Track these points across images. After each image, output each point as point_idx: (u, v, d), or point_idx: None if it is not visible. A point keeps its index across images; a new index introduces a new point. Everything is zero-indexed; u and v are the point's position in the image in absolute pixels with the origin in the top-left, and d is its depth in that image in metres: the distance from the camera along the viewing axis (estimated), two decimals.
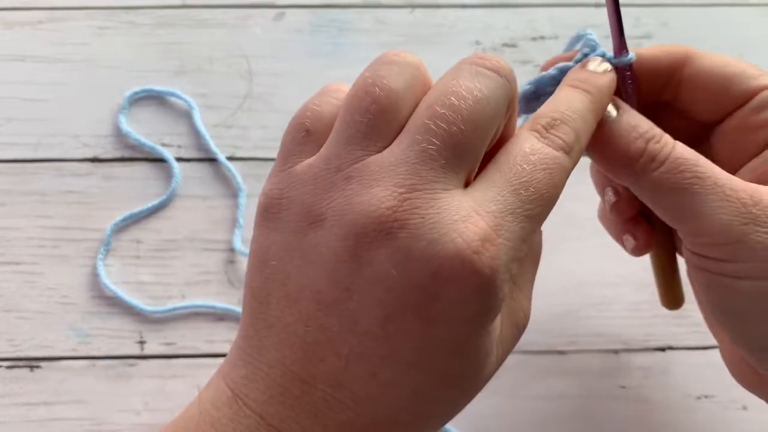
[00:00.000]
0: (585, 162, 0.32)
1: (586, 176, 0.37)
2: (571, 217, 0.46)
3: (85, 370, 0.43)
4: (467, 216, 0.25)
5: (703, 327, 0.44)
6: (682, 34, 0.53)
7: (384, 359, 0.25)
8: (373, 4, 0.53)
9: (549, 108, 0.28)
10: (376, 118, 0.26)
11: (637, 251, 0.37)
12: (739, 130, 0.32)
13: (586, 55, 0.32)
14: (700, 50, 0.33)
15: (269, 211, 0.28)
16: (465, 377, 0.26)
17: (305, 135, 0.28)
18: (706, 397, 0.42)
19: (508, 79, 0.27)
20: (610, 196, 0.36)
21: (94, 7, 0.53)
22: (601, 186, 0.37)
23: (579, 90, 0.29)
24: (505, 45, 0.52)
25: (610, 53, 0.32)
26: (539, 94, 0.33)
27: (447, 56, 0.52)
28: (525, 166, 0.26)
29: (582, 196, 0.39)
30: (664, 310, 0.44)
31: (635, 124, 0.30)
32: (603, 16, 0.53)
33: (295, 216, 0.27)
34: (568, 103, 0.29)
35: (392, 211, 0.24)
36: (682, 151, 0.29)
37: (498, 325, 0.27)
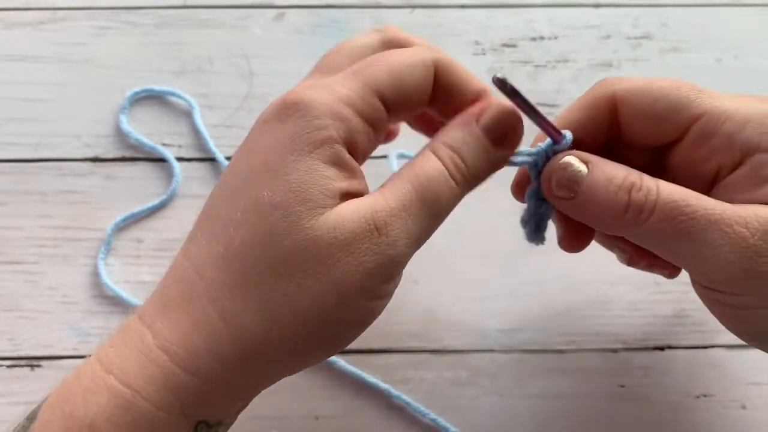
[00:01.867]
0: None
1: None
2: None
3: None
4: (302, 83, 0.31)
5: (703, 326, 0.44)
6: (682, 34, 0.53)
7: (217, 192, 0.30)
8: (373, 5, 0.54)
9: None
10: None
11: (675, 276, 0.37)
12: (686, 164, 0.32)
13: (536, 165, 0.32)
14: (624, 87, 0.32)
15: None
16: (277, 208, 0.28)
17: None
18: (705, 396, 0.42)
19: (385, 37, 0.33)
20: (620, 255, 0.37)
21: (95, 8, 0.53)
22: (605, 243, 0.38)
23: None
24: (505, 45, 0.53)
25: (545, 143, 0.32)
26: (538, 220, 0.35)
27: None
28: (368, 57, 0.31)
29: None
30: (664, 310, 0.44)
31: (610, 175, 0.30)
32: (602, 16, 0.53)
33: None
34: None
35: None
36: (668, 192, 0.29)
37: (325, 179, 0.28)
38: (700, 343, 0.44)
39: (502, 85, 0.29)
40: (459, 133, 0.30)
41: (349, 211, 0.28)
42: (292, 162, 0.28)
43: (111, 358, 0.28)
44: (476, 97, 0.32)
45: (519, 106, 0.31)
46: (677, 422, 0.42)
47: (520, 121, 0.32)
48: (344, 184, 0.29)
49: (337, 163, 0.28)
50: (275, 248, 0.27)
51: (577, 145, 0.32)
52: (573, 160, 0.31)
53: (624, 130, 0.33)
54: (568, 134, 0.32)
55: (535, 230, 0.35)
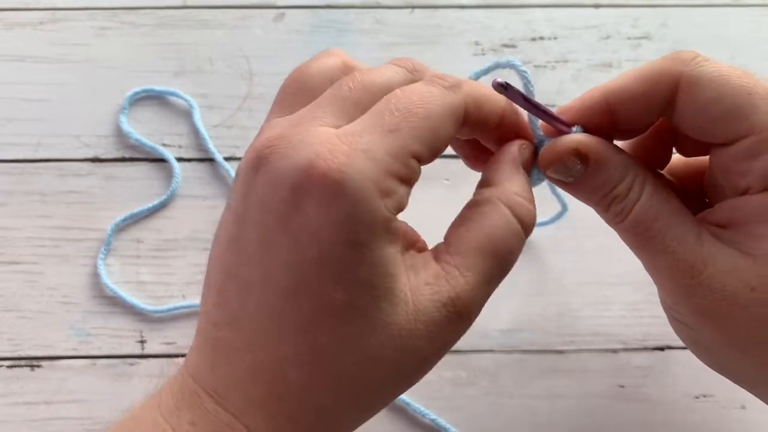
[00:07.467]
0: None
1: None
2: (570, 217, 0.47)
3: (86, 369, 0.43)
4: (327, 139, 0.26)
5: None
6: (681, 34, 0.53)
7: (261, 285, 0.26)
8: (373, 5, 0.54)
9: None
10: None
11: None
12: (722, 168, 0.31)
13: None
14: (696, 71, 0.29)
15: None
16: (358, 309, 0.26)
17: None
18: (704, 396, 0.42)
19: (409, 70, 0.30)
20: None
21: (95, 8, 0.53)
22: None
23: None
24: (504, 45, 0.53)
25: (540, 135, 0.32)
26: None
27: (446, 57, 0.53)
28: (386, 97, 0.27)
29: None
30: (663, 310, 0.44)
31: (600, 183, 0.31)
32: (601, 16, 0.53)
33: None
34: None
35: (269, 141, 0.27)
36: (644, 207, 0.30)
37: (398, 264, 0.26)
38: None
39: (503, 89, 0.30)
40: (524, 181, 0.31)
41: (428, 300, 0.27)
42: (353, 258, 0.25)
43: (167, 403, 0.28)
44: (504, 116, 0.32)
45: (523, 106, 0.31)
46: (677, 423, 0.42)
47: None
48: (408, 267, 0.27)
49: (396, 239, 0.27)
50: (363, 350, 0.26)
51: (626, 116, 0.31)
52: (570, 162, 0.31)
53: (676, 116, 0.31)
54: (577, 129, 0.31)
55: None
